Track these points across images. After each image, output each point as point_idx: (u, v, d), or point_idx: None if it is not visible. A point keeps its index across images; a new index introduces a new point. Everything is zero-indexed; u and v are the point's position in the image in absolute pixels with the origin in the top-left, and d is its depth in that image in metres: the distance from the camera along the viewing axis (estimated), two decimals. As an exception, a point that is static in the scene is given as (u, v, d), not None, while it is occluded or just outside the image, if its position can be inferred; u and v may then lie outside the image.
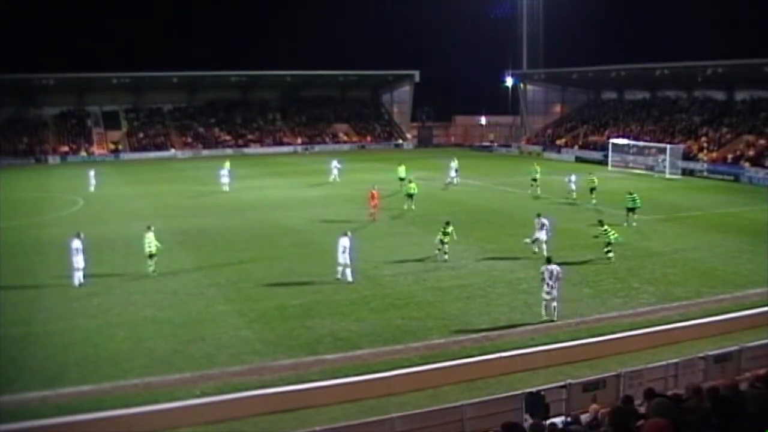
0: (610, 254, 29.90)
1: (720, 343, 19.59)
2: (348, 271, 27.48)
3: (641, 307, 24.46)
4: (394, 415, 14.79)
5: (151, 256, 28.70)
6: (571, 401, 15.58)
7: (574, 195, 46.17)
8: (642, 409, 10.58)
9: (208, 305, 25.00)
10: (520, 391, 15.31)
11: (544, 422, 11.33)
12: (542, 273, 23.07)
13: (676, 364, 17.22)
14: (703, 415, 9.23)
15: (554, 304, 22.89)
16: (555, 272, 22.84)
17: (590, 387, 16.06)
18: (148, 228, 29.31)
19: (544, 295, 22.94)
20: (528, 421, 12.70)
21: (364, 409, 16.48)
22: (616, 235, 30.06)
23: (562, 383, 16.01)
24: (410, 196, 42.95)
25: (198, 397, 17.41)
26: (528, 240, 31.39)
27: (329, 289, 26.73)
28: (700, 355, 17.86)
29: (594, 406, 13.10)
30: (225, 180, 53.11)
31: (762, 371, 13.03)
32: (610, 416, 9.96)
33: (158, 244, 28.94)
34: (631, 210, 37.88)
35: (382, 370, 18.59)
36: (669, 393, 12.70)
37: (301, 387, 17.60)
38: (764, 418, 8.69)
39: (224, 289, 27.04)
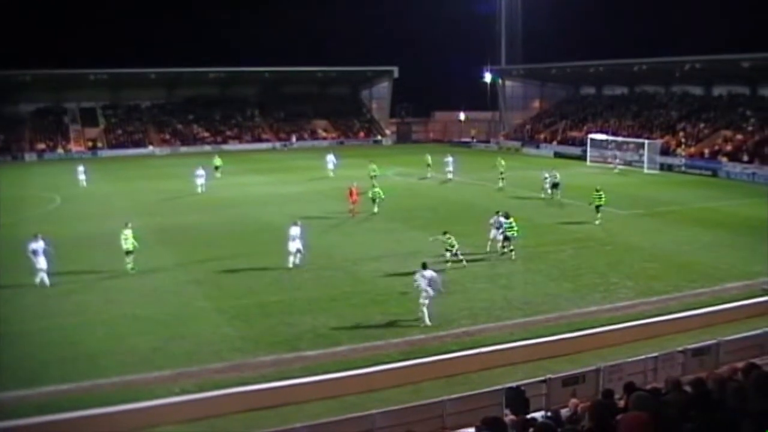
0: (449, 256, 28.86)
1: (699, 336, 19.74)
2: (299, 256, 28.66)
3: (620, 301, 24.61)
4: (374, 411, 14.80)
5: (128, 252, 28.54)
6: (551, 396, 15.64)
7: (549, 191, 46.05)
8: (622, 403, 10.62)
9: (188, 302, 24.88)
10: (500, 386, 15.36)
11: (525, 417, 11.34)
12: (420, 279, 22.26)
13: (655, 357, 17.35)
14: (683, 408, 9.28)
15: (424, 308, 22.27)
16: (434, 278, 22.37)
17: (570, 381, 16.13)
18: (126, 224, 29.14)
19: (424, 301, 22.19)
20: (508, 416, 12.72)
21: (344, 405, 16.45)
22: (454, 243, 28.71)
23: (542, 378, 16.09)
24: (374, 200, 41.14)
25: (177, 394, 17.32)
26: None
27: (309, 285, 26.69)
28: (679, 348, 17.99)
29: (574, 401, 13.13)
30: (201, 181, 51.37)
31: (740, 364, 13.12)
32: (590, 410, 9.98)
33: (135, 243, 28.77)
34: (598, 207, 37.25)
35: (363, 367, 18.59)
36: (648, 387, 12.76)
37: (282, 384, 17.54)
38: (742, 410, 8.76)
39: (204, 286, 26.92)
